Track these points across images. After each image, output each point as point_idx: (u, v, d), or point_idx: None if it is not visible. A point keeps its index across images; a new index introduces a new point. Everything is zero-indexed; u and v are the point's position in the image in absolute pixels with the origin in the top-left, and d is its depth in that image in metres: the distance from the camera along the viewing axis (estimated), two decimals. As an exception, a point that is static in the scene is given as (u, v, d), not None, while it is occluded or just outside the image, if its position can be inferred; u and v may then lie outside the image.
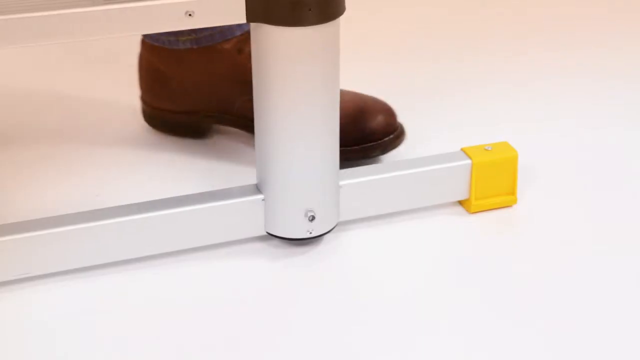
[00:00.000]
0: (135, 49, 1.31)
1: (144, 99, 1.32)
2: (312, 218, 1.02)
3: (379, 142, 1.19)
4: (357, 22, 1.73)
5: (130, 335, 0.93)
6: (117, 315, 0.96)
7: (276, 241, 1.07)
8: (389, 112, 1.19)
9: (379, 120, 1.17)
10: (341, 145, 1.09)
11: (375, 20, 1.79)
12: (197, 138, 1.28)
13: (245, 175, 1.14)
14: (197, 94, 1.25)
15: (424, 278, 1.02)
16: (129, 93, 1.40)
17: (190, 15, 0.91)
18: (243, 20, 0.93)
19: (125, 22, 0.89)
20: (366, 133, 1.16)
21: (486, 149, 1.12)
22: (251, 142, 1.22)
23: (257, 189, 1.04)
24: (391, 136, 1.19)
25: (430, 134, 1.29)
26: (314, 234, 1.04)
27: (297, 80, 0.97)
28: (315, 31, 0.95)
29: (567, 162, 1.25)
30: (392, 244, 1.08)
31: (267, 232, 1.05)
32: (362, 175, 1.07)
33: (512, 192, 1.13)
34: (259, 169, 1.04)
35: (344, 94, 1.21)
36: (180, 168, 1.23)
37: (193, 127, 1.28)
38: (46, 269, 1.00)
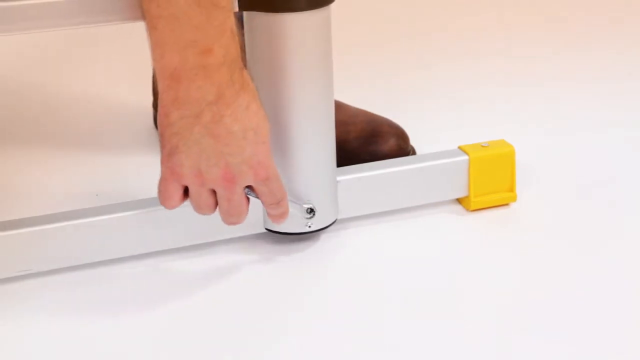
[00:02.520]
0: (148, 47, 1.31)
1: (156, 107, 1.32)
2: (311, 210, 1.03)
3: None
4: (356, 21, 1.74)
5: (129, 333, 0.94)
6: (116, 313, 0.97)
7: (275, 238, 1.07)
8: (401, 136, 1.19)
9: (391, 143, 1.18)
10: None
11: (375, 19, 1.80)
12: None
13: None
14: None
15: (423, 277, 1.02)
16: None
17: None
18: (235, 9, 0.93)
19: (117, 10, 0.90)
20: (377, 156, 1.16)
21: (483, 146, 1.12)
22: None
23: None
24: None
25: (429, 134, 1.29)
26: (313, 228, 1.04)
27: (290, 68, 0.97)
28: (306, 17, 0.96)
29: (567, 162, 1.25)
30: (391, 242, 1.08)
31: (267, 229, 1.06)
32: (359, 172, 1.08)
33: (511, 188, 1.13)
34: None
35: (358, 114, 1.22)
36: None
37: None
38: (48, 266, 1.00)
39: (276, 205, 0.97)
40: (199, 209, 0.96)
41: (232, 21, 0.88)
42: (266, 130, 0.92)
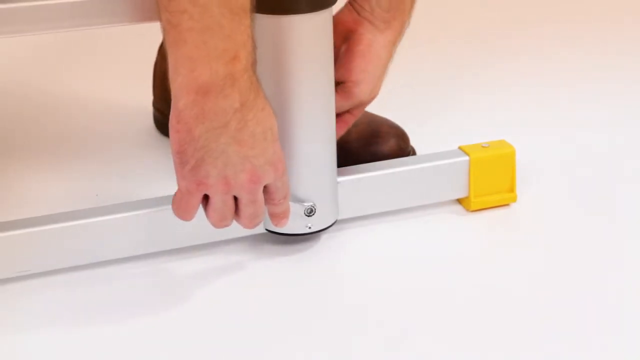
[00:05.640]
0: (148, 47, 1.32)
1: (156, 106, 1.32)
2: (311, 211, 1.03)
3: None
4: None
5: (129, 333, 0.94)
6: (116, 313, 0.97)
7: (275, 239, 1.07)
8: (402, 137, 1.19)
9: (391, 144, 1.18)
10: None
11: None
12: None
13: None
14: None
15: (423, 277, 1.02)
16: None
17: None
18: None
19: (118, 12, 0.90)
20: (378, 157, 1.16)
21: (483, 146, 1.12)
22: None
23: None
24: None
25: (429, 134, 1.29)
26: (313, 229, 1.04)
27: (291, 69, 0.97)
28: (307, 19, 0.96)
29: (567, 162, 1.25)
30: (391, 243, 1.08)
31: (267, 230, 1.06)
32: (359, 172, 1.08)
33: (512, 189, 1.13)
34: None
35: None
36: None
37: None
38: (48, 266, 1.00)
39: (284, 200, 0.97)
40: (221, 219, 0.95)
41: (251, 23, 0.88)
42: (276, 126, 0.93)
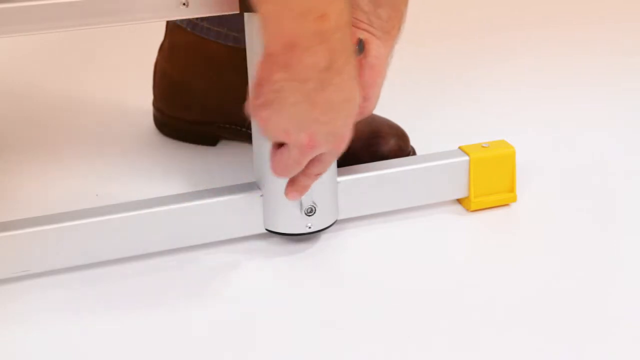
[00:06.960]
0: (148, 47, 1.32)
1: (156, 106, 1.33)
2: (311, 210, 1.03)
3: None
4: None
5: (129, 333, 0.94)
6: (116, 313, 0.97)
7: (275, 239, 1.07)
8: (402, 137, 1.19)
9: (391, 144, 1.18)
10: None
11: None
12: (209, 146, 1.29)
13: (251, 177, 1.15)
14: (211, 104, 1.25)
15: (422, 277, 1.02)
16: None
17: (184, 5, 0.92)
18: (236, 10, 0.94)
19: (118, 11, 0.90)
20: (378, 157, 1.16)
21: (483, 146, 1.12)
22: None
23: (256, 185, 1.05)
24: None
25: (429, 134, 1.29)
26: (313, 229, 1.04)
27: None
28: None
29: (567, 162, 1.25)
30: (391, 243, 1.08)
31: (267, 229, 1.06)
32: (359, 172, 1.08)
33: (512, 189, 1.13)
34: (257, 165, 1.04)
35: None
36: (184, 170, 1.23)
37: (206, 137, 1.29)
38: (48, 266, 1.00)
39: (316, 177, 0.95)
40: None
41: None
42: (357, 103, 0.90)
